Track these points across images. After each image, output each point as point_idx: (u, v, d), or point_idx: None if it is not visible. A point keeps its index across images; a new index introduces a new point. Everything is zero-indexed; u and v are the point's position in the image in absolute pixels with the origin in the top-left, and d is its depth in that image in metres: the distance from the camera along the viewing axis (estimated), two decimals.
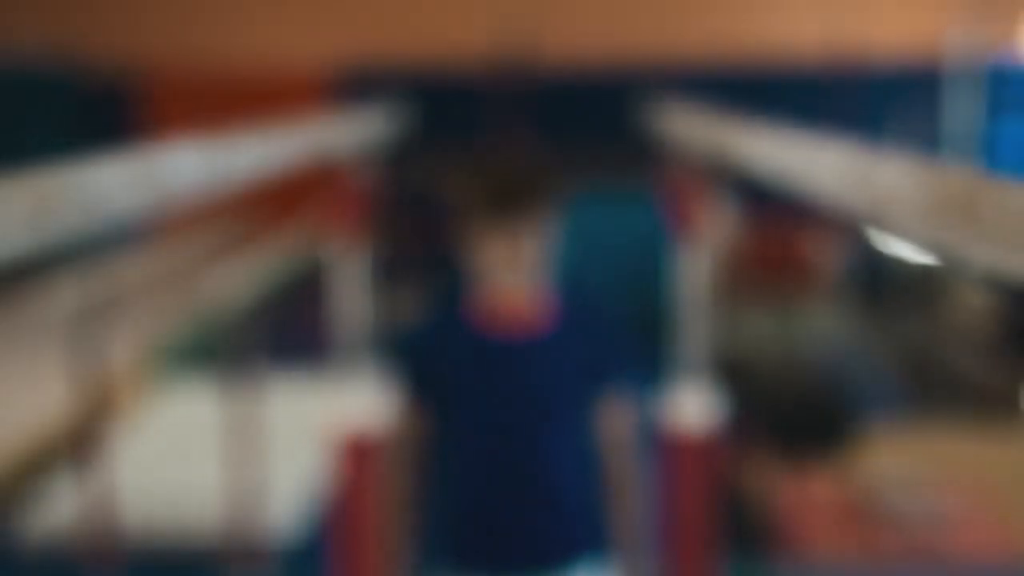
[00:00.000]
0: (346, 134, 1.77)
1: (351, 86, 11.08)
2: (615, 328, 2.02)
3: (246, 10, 11.52)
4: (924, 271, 8.02)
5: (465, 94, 11.01)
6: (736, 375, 3.70)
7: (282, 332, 6.74)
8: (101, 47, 11.32)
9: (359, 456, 1.83)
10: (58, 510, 3.93)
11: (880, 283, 7.94)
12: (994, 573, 3.07)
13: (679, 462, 1.76)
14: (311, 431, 4.57)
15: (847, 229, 8.62)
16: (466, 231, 1.92)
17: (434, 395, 1.99)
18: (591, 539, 2.06)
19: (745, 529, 4.14)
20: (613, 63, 11.14)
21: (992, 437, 5.05)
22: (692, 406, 1.79)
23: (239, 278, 3.67)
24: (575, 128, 10.99)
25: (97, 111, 11.41)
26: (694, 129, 1.56)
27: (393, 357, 2.02)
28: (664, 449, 1.78)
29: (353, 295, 1.94)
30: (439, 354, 1.98)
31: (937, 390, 5.89)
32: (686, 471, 1.75)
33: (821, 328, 7.07)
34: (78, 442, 4.66)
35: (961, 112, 7.72)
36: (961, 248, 0.64)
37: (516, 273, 1.93)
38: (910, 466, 4.16)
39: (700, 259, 2.01)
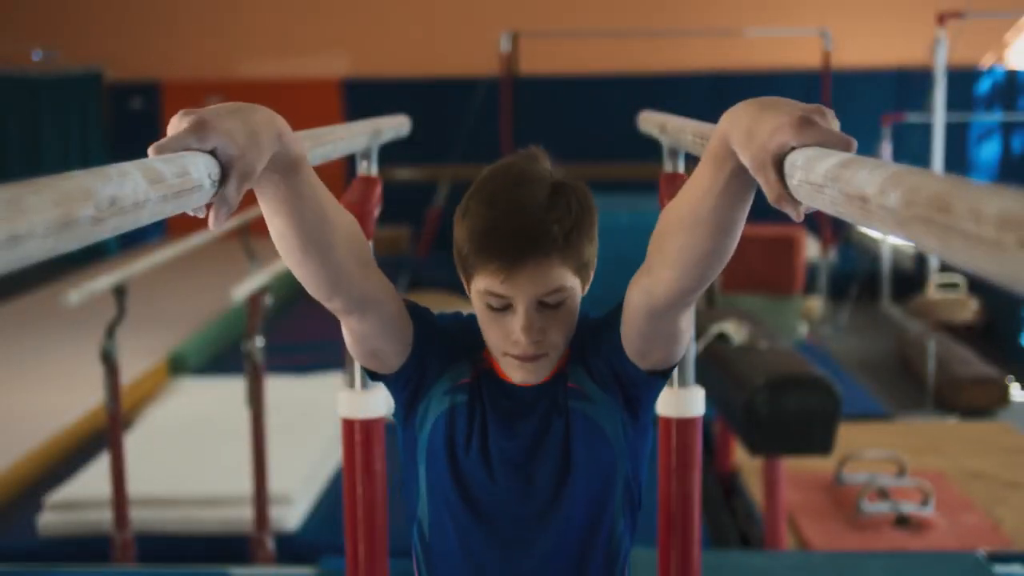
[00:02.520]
0: (355, 138, 1.82)
1: (356, 98, 11.32)
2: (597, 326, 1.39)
3: (262, 29, 11.70)
4: (907, 266, 8.10)
5: (463, 102, 11.09)
6: (720, 366, 3.75)
7: (293, 324, 6.80)
8: (128, 62, 11.72)
9: (368, 441, 1.87)
10: (77, 496, 3.97)
11: (865, 277, 8.01)
12: (974, 560, 3.12)
13: (670, 451, 1.81)
14: (324, 419, 4.62)
15: (834, 225, 8.68)
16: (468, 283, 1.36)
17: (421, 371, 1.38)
18: None
19: (728, 517, 4.20)
20: (615, 73, 11.22)
21: (973, 427, 5.10)
22: (682, 396, 1.83)
23: (253, 271, 3.71)
24: (572, 132, 11.03)
25: (124, 119, 11.68)
26: (687, 132, 1.61)
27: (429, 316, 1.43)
28: (659, 439, 1.83)
29: None
30: (455, 354, 1.40)
31: (918, 381, 5.95)
32: (675, 459, 1.80)
33: (807, 319, 7.11)
34: (100, 432, 4.69)
35: (946, 115, 7.81)
36: (937, 250, 0.67)
37: (526, 371, 1.34)
38: (891, 455, 4.20)
39: None
